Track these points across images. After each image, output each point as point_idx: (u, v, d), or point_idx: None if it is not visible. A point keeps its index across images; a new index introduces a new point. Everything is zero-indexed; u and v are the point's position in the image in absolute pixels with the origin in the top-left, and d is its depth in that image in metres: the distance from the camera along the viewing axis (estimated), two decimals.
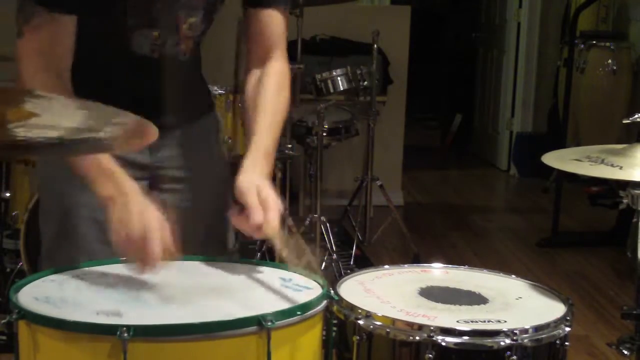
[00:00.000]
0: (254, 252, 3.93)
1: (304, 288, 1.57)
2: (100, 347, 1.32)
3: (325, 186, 4.24)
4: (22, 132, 1.13)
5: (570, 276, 4.41)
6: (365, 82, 4.24)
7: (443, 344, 1.51)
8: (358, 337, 1.58)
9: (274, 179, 3.61)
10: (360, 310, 1.59)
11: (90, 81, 1.72)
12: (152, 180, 1.85)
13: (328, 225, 4.12)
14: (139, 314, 1.42)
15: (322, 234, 4.05)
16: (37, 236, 1.93)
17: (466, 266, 1.91)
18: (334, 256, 4.08)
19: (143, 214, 1.56)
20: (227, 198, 1.93)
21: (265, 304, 1.45)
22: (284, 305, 1.43)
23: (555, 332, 1.58)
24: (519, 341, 1.51)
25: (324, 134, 4.09)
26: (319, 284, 1.59)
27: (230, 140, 3.43)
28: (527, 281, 1.81)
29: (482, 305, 1.66)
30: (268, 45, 1.86)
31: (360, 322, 1.58)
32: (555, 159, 2.06)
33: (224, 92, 3.52)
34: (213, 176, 1.93)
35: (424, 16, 7.67)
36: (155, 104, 1.78)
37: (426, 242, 4.88)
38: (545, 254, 4.77)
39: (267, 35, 1.86)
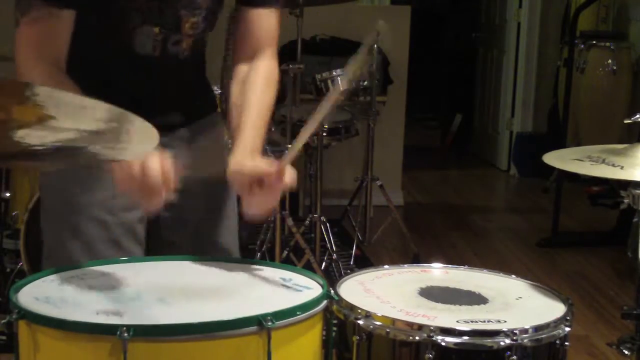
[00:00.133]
0: (254, 252, 3.93)
1: (304, 288, 1.57)
2: (100, 347, 1.32)
3: (325, 186, 4.24)
4: (29, 136, 1.12)
5: (570, 276, 4.41)
6: (365, 82, 4.24)
7: (443, 344, 1.51)
8: (358, 337, 1.58)
9: None
10: (360, 310, 1.59)
11: (90, 80, 1.72)
12: None
13: (328, 225, 4.12)
14: (139, 314, 1.42)
15: (322, 234, 4.05)
16: (37, 236, 1.93)
17: (466, 266, 1.91)
18: (334, 256, 4.08)
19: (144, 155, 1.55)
20: (232, 197, 1.93)
21: (265, 304, 1.45)
22: (284, 305, 1.43)
23: (555, 332, 1.58)
24: (519, 341, 1.51)
25: (324, 134, 4.09)
26: (319, 284, 1.59)
27: (230, 140, 3.43)
28: (527, 281, 1.81)
29: (482, 305, 1.66)
30: (257, 45, 1.85)
31: (360, 322, 1.58)
32: (555, 159, 2.06)
33: (219, 91, 3.52)
34: (216, 176, 1.93)
35: (424, 16, 7.67)
36: (156, 103, 1.78)
37: (426, 242, 4.88)
38: (545, 254, 4.77)
39: (257, 35, 1.85)
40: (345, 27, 5.44)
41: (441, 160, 7.56)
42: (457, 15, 8.46)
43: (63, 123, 1.13)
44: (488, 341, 1.52)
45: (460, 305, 1.65)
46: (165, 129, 1.80)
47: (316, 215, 4.04)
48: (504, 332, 1.52)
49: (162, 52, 1.77)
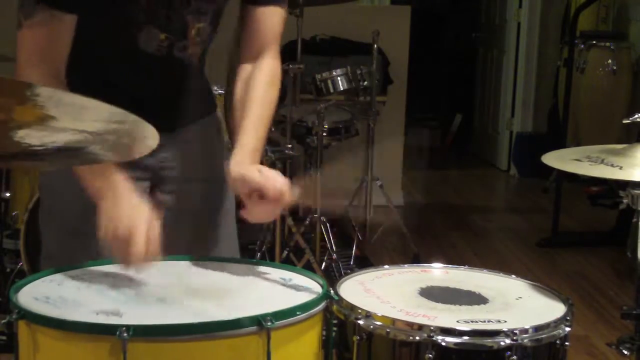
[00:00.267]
0: (254, 252, 3.93)
1: (304, 288, 1.57)
2: (100, 347, 1.32)
3: (325, 186, 4.24)
4: (29, 137, 1.12)
5: (570, 276, 4.41)
6: (365, 82, 4.24)
7: (443, 344, 1.51)
8: (358, 337, 1.58)
9: None
10: (360, 310, 1.59)
11: (92, 79, 1.72)
12: (153, 180, 1.85)
13: (328, 225, 4.12)
14: (139, 314, 1.42)
15: (322, 234, 4.05)
16: (37, 236, 1.93)
17: (466, 266, 1.91)
18: (334, 256, 4.08)
19: (132, 210, 1.56)
20: (230, 197, 1.93)
21: (266, 304, 1.45)
22: (284, 305, 1.43)
23: (555, 332, 1.58)
24: (519, 341, 1.51)
25: (324, 134, 4.09)
26: (319, 284, 1.59)
27: (230, 139, 3.43)
28: (527, 281, 1.81)
29: (482, 305, 1.66)
30: (262, 43, 1.85)
31: (360, 322, 1.58)
32: (555, 159, 2.06)
33: (224, 92, 3.52)
34: (215, 177, 1.93)
35: (424, 16, 7.67)
36: (157, 104, 1.78)
37: (426, 242, 4.88)
38: (545, 254, 4.78)
39: (262, 33, 1.85)
40: (345, 27, 5.44)
41: (441, 160, 7.57)
42: (457, 15, 8.47)
43: (63, 123, 1.13)
44: (488, 341, 1.52)
45: (460, 305, 1.65)
46: (165, 130, 1.81)
47: (316, 215, 4.04)
48: (504, 332, 1.52)
49: (168, 55, 1.77)
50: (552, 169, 2.85)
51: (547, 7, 6.80)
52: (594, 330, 3.64)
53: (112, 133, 1.21)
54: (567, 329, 1.60)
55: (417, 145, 7.22)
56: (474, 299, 1.70)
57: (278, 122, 3.96)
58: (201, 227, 1.91)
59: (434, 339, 1.51)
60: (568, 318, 1.61)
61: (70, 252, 1.78)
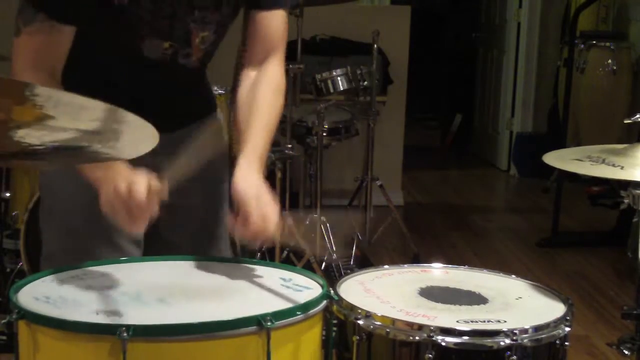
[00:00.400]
0: (254, 252, 3.93)
1: (304, 288, 1.57)
2: (100, 347, 1.32)
3: (325, 186, 4.24)
4: (28, 136, 1.12)
5: (570, 276, 4.41)
6: (365, 82, 4.24)
7: (443, 344, 1.51)
8: (358, 337, 1.58)
9: (273, 178, 3.63)
10: (360, 310, 1.59)
11: (93, 81, 1.72)
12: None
13: (328, 225, 4.11)
14: (139, 314, 1.42)
15: (322, 234, 4.04)
16: (37, 236, 1.93)
17: (466, 266, 1.91)
18: (334, 256, 4.08)
19: (130, 173, 1.57)
20: (229, 198, 1.93)
21: (265, 304, 1.45)
22: (284, 305, 1.43)
23: (555, 332, 1.58)
24: (519, 341, 1.51)
25: (324, 134, 4.09)
26: (319, 284, 1.59)
27: (234, 144, 3.43)
28: (527, 281, 1.81)
29: (482, 305, 1.66)
30: (267, 48, 1.85)
31: (360, 322, 1.58)
32: (555, 159, 2.06)
33: (224, 92, 3.52)
34: (215, 177, 1.93)
35: (424, 16, 7.68)
36: (158, 105, 1.78)
37: (426, 242, 4.88)
38: (545, 254, 4.77)
39: (266, 38, 1.84)
40: (345, 27, 5.44)
41: (441, 160, 7.56)
42: (457, 15, 8.46)
43: (63, 123, 1.13)
44: (488, 341, 1.52)
45: (460, 305, 1.65)
46: (165, 130, 1.81)
47: (316, 215, 4.04)
48: (504, 332, 1.52)
49: (172, 62, 1.77)
50: (552, 169, 2.85)
51: (547, 7, 6.80)
52: (594, 330, 3.64)
53: (111, 132, 1.21)
54: (567, 329, 1.60)
55: (417, 145, 7.21)
56: (474, 299, 1.70)
57: (278, 122, 3.96)
58: (200, 227, 1.91)
59: (434, 339, 1.51)
60: (568, 318, 1.61)
61: (70, 252, 1.78)
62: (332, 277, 3.87)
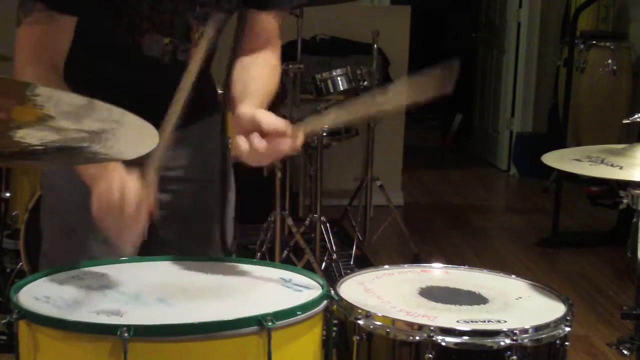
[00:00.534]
0: (254, 252, 3.93)
1: (304, 288, 1.57)
2: (100, 347, 1.32)
3: (325, 186, 4.24)
4: (28, 136, 1.12)
5: (570, 276, 4.41)
6: (365, 82, 4.24)
7: (443, 344, 1.51)
8: (358, 337, 1.58)
9: (273, 178, 3.63)
10: (360, 310, 1.59)
11: (93, 80, 1.72)
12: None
13: (328, 225, 4.12)
14: (139, 314, 1.42)
15: (322, 234, 4.05)
16: (37, 236, 1.93)
17: (466, 266, 1.91)
18: (334, 256, 4.08)
19: (124, 180, 1.56)
20: (228, 195, 1.93)
21: (266, 303, 1.45)
22: (284, 305, 1.43)
23: (555, 332, 1.58)
24: (519, 341, 1.51)
25: (324, 134, 4.09)
26: (319, 284, 1.59)
27: (230, 140, 3.43)
28: (527, 281, 1.81)
29: (482, 305, 1.66)
30: (261, 41, 1.83)
31: (360, 322, 1.58)
32: (555, 159, 2.06)
33: (221, 92, 3.51)
34: (216, 176, 1.92)
35: (424, 16, 7.68)
36: (159, 105, 1.78)
37: (426, 242, 4.88)
38: (545, 254, 4.77)
39: (261, 33, 1.84)
40: (345, 27, 5.45)
41: (441, 160, 7.56)
42: (457, 15, 8.47)
43: (63, 123, 1.13)
44: (488, 341, 1.52)
45: (460, 305, 1.65)
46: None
47: (316, 215, 4.04)
48: (504, 332, 1.52)
49: (171, 60, 1.77)
50: (552, 169, 2.85)
51: (547, 7, 6.80)
52: (594, 330, 3.64)
53: (111, 132, 1.21)
54: (567, 329, 1.60)
55: (417, 145, 7.21)
56: (474, 299, 1.70)
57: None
58: (198, 225, 1.91)
59: (434, 339, 1.51)
60: (568, 318, 1.61)
61: (66, 250, 1.78)
62: (332, 277, 3.87)
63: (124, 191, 1.54)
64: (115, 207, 1.53)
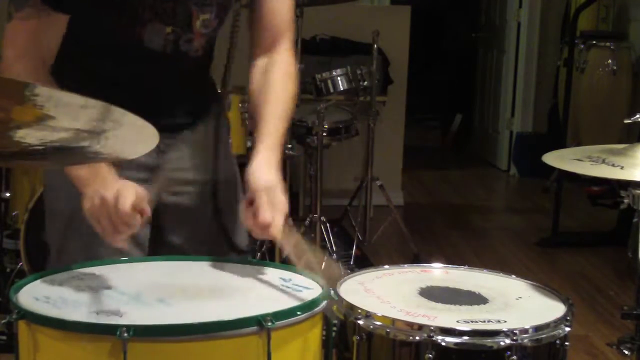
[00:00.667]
0: (254, 252, 3.93)
1: (304, 288, 1.57)
2: (100, 347, 1.32)
3: (325, 186, 4.24)
4: (28, 136, 1.12)
5: (570, 276, 4.41)
6: (365, 82, 4.24)
7: (443, 344, 1.51)
8: (358, 337, 1.58)
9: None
10: (360, 310, 1.59)
11: (95, 78, 1.72)
12: (160, 182, 1.84)
13: (328, 225, 4.12)
14: (139, 314, 1.42)
15: (322, 234, 4.05)
16: (37, 236, 1.93)
17: (466, 266, 1.91)
18: (334, 256, 4.08)
19: (117, 184, 1.57)
20: (238, 198, 1.92)
21: (265, 304, 1.45)
22: (284, 305, 1.43)
23: (555, 332, 1.58)
24: (519, 341, 1.51)
25: (324, 134, 4.09)
26: (319, 284, 1.59)
27: (230, 141, 3.43)
28: (527, 281, 1.81)
29: (482, 305, 1.66)
30: (274, 34, 1.82)
31: (360, 322, 1.58)
32: (555, 159, 2.06)
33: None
34: (222, 177, 1.92)
35: (424, 16, 7.68)
36: (161, 101, 1.78)
37: (426, 242, 4.88)
38: (545, 254, 4.77)
39: (272, 23, 1.81)
40: (345, 27, 5.44)
41: (441, 160, 7.56)
42: (457, 15, 8.47)
43: (63, 123, 1.13)
44: (488, 341, 1.52)
45: (460, 305, 1.65)
46: (169, 130, 1.80)
47: (316, 215, 4.04)
48: (504, 332, 1.52)
49: (174, 50, 1.75)
50: (552, 169, 2.85)
51: (547, 7, 6.80)
52: (594, 330, 3.64)
53: (111, 132, 1.21)
54: (567, 329, 1.60)
55: (417, 145, 7.21)
56: (474, 299, 1.70)
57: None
58: (207, 229, 1.90)
59: (434, 339, 1.51)
60: (568, 318, 1.61)
61: (72, 256, 1.76)
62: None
63: (119, 193, 1.55)
64: (109, 207, 1.53)
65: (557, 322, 1.59)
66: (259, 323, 1.35)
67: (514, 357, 1.51)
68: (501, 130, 7.16)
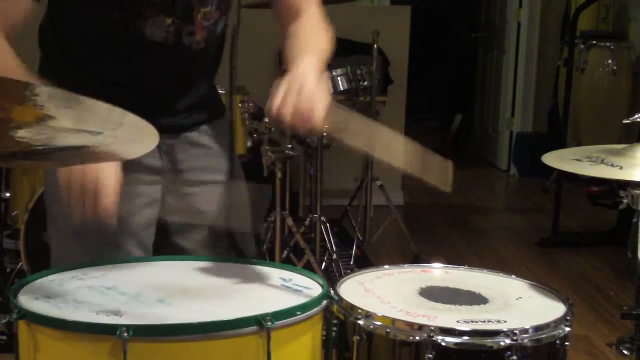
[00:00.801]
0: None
1: (304, 288, 1.57)
2: (100, 346, 1.32)
3: (325, 186, 4.24)
4: (29, 136, 1.12)
5: (570, 276, 4.41)
6: (365, 82, 4.24)
7: (443, 344, 1.51)
8: (358, 337, 1.58)
9: (273, 178, 3.63)
10: (360, 310, 1.59)
11: (97, 77, 1.71)
12: (166, 184, 1.83)
13: (328, 225, 4.12)
14: (139, 314, 1.42)
15: (322, 234, 4.05)
16: (37, 236, 1.93)
17: (466, 266, 1.91)
18: (334, 256, 4.08)
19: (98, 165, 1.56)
20: (243, 200, 1.92)
21: (266, 303, 1.45)
22: (284, 305, 1.43)
23: (555, 332, 1.58)
24: (519, 341, 1.51)
25: (324, 134, 4.08)
26: (319, 284, 1.59)
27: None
28: (527, 281, 1.81)
29: (482, 305, 1.66)
30: (297, 9, 1.81)
31: (360, 322, 1.58)
32: (555, 159, 2.06)
33: (223, 92, 3.51)
34: (228, 178, 1.91)
35: (424, 16, 7.68)
36: (167, 106, 1.77)
37: (426, 242, 4.88)
38: (545, 254, 4.77)
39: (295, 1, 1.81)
40: (345, 27, 5.44)
41: None
42: (457, 15, 8.47)
43: (63, 123, 1.13)
44: (488, 341, 1.52)
45: (460, 305, 1.65)
46: (172, 131, 1.80)
47: (316, 215, 4.04)
48: (504, 332, 1.52)
49: (175, 42, 1.74)
50: (552, 169, 2.85)
51: (547, 7, 6.80)
52: (594, 330, 3.64)
53: (111, 132, 1.21)
54: (567, 329, 1.60)
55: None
56: (474, 299, 1.70)
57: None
58: (212, 231, 1.90)
59: (434, 339, 1.51)
60: (568, 318, 1.61)
61: (74, 257, 1.76)
62: (332, 277, 3.87)
63: (98, 171, 1.54)
64: (89, 178, 1.53)
65: (557, 322, 1.59)
66: (259, 323, 1.35)
67: (514, 357, 1.51)
68: (501, 130, 7.16)
